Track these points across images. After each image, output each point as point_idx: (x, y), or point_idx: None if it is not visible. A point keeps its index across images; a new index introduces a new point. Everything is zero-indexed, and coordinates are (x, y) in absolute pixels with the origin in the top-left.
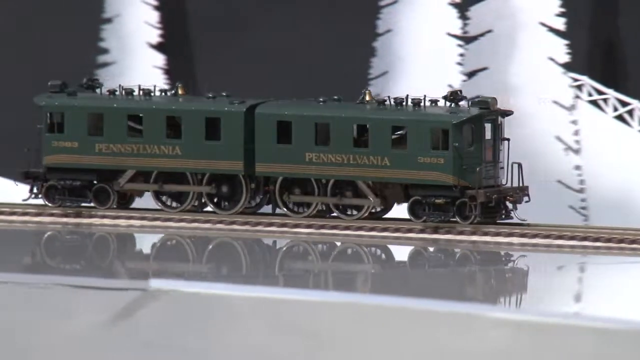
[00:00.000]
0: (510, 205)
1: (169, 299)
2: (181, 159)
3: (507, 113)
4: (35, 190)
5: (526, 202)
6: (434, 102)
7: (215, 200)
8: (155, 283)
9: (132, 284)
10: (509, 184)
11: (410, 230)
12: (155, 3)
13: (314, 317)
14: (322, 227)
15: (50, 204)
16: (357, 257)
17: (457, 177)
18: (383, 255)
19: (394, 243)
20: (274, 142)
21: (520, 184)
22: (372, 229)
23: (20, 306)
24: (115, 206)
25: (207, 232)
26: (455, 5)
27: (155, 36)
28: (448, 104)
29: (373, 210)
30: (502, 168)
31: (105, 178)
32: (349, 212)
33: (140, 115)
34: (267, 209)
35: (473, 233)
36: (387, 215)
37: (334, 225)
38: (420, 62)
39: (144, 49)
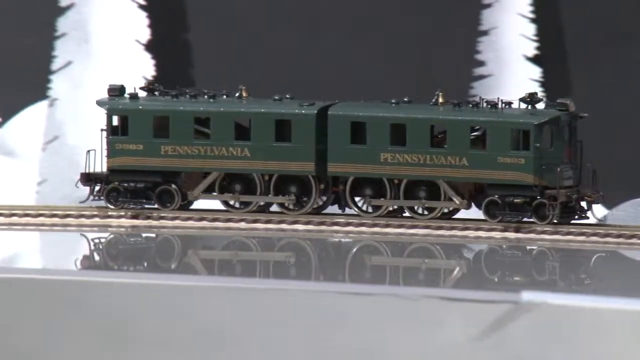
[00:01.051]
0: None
1: (539, 312)
2: (250, 160)
3: (581, 116)
4: (98, 193)
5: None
6: (508, 104)
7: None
8: (527, 296)
9: (504, 297)
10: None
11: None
12: (532, 16)
13: None
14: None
15: (111, 206)
16: None
17: (537, 177)
18: None
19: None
20: (347, 143)
21: (594, 185)
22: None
23: (391, 317)
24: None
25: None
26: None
27: (531, 49)
28: (524, 105)
29: (445, 211)
30: (577, 169)
31: (170, 180)
32: (420, 212)
33: (208, 117)
34: (332, 209)
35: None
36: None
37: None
38: None
39: (520, 61)
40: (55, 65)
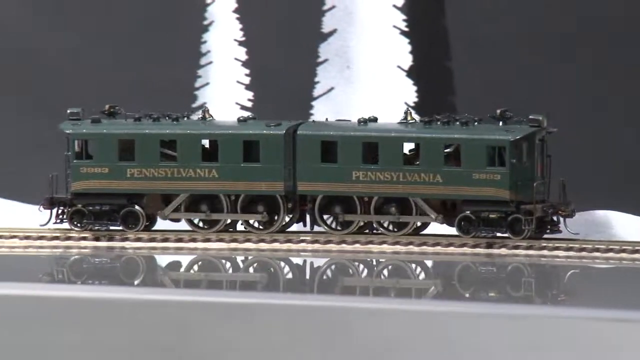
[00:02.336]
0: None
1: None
2: (218, 181)
3: (550, 131)
4: (61, 216)
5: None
6: (478, 120)
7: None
8: None
9: None
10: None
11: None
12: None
13: None
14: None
15: (74, 229)
16: None
17: (513, 192)
18: None
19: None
20: (317, 162)
21: (565, 199)
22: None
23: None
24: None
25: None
26: None
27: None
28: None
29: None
30: (547, 183)
31: (134, 202)
32: (390, 229)
33: (174, 140)
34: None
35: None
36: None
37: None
38: None
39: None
40: (317, 91)
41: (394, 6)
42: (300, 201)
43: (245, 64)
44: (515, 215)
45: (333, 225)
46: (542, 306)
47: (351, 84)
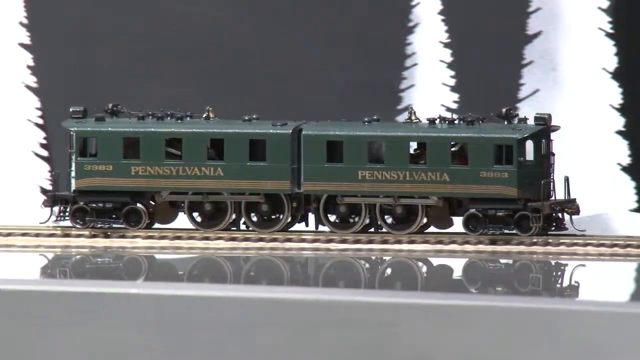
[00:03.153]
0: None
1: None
2: (223, 180)
3: (555, 128)
4: (62, 213)
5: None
6: (482, 119)
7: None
8: None
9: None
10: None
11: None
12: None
13: None
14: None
15: (76, 226)
16: None
17: (521, 190)
18: None
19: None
20: (323, 162)
21: (568, 197)
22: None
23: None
24: (144, 227)
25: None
26: None
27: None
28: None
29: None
30: (553, 181)
31: (137, 200)
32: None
33: (180, 138)
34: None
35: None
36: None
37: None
38: None
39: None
40: (522, 93)
41: (599, 8)
42: (305, 201)
43: (450, 65)
44: (523, 213)
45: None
46: None
47: (556, 85)
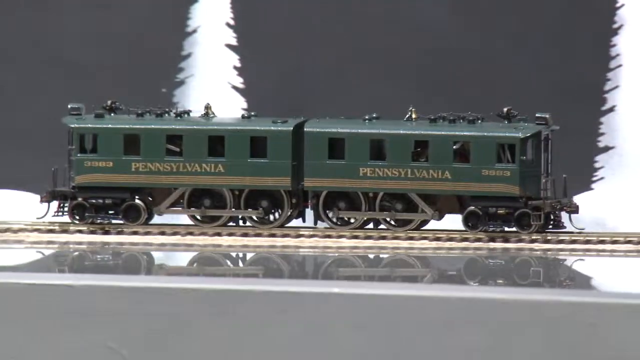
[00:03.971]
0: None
1: None
2: (224, 176)
3: (554, 129)
4: (61, 209)
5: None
6: (481, 118)
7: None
8: None
9: None
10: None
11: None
12: None
13: None
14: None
15: (75, 222)
16: None
17: (522, 189)
18: None
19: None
20: (324, 159)
21: (566, 195)
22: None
23: None
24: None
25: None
26: None
27: None
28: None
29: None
30: (553, 180)
31: (137, 196)
32: (393, 224)
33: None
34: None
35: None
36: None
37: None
38: None
39: None
40: None
41: None
42: (304, 197)
43: None
44: (524, 210)
45: (335, 221)
46: None
47: None
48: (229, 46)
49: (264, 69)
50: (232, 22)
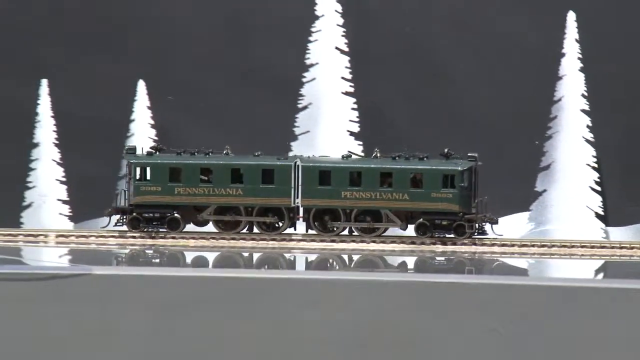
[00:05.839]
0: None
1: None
2: (243, 197)
3: (479, 164)
4: (121, 221)
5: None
6: (426, 157)
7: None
8: None
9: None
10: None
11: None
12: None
13: None
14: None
15: (131, 230)
16: None
17: (460, 207)
18: None
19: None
20: (316, 185)
21: (486, 211)
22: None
23: None
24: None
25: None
26: None
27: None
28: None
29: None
30: (481, 201)
31: (176, 212)
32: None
33: (210, 168)
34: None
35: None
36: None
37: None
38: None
39: None
40: None
41: None
42: (298, 212)
43: None
44: (460, 222)
45: (321, 229)
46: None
47: None
48: None
49: None
50: None
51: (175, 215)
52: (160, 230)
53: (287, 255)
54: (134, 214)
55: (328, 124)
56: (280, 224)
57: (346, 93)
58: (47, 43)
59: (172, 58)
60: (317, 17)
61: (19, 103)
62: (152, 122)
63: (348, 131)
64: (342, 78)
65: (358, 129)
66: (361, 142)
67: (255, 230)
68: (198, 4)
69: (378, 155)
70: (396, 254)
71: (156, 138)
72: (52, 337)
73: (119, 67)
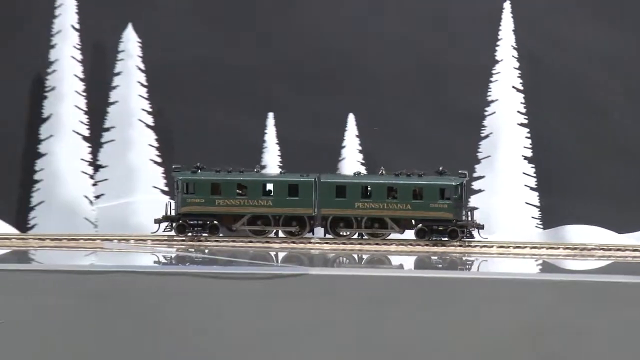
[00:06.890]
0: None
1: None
2: (272, 208)
3: (468, 179)
4: (170, 227)
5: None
6: (423, 173)
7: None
8: None
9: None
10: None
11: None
12: None
13: None
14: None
15: (179, 235)
16: None
17: (454, 215)
18: None
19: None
20: (333, 197)
21: (475, 218)
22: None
23: None
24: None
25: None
26: None
27: None
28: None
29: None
30: (471, 210)
31: (218, 220)
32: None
33: (245, 185)
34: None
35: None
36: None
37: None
38: None
39: None
40: None
41: None
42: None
43: None
44: (453, 228)
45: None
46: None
47: None
48: None
49: None
50: None
51: (215, 222)
52: (203, 234)
53: (306, 254)
54: (180, 221)
55: (506, 150)
56: (300, 231)
57: (521, 124)
58: (273, 83)
59: (377, 95)
60: (497, 62)
61: (250, 132)
62: (360, 147)
63: (522, 156)
64: (518, 112)
65: (530, 154)
66: (533, 165)
67: (281, 234)
68: (391, 51)
69: (383, 172)
70: (404, 254)
71: (363, 161)
72: (278, 330)
73: (333, 103)
